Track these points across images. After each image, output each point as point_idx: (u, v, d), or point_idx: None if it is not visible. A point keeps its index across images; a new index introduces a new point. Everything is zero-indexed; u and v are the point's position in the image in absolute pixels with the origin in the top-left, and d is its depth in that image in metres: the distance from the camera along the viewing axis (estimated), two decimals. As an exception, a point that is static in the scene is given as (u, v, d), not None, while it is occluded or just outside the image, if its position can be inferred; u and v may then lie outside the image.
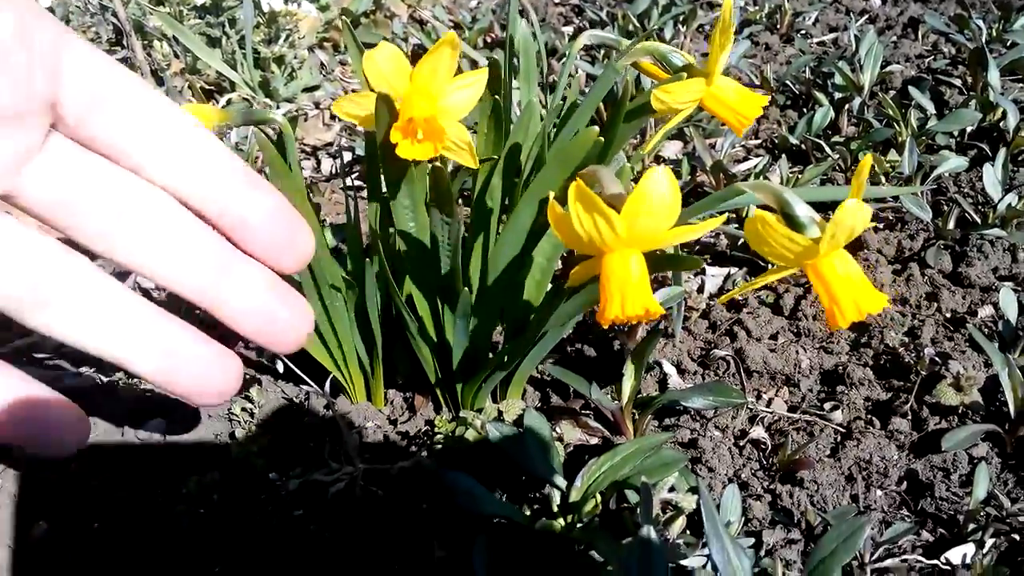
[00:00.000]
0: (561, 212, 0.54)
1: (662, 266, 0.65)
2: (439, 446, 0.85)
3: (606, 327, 0.59)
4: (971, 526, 0.73)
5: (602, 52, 1.65)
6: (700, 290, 1.07)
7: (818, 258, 0.55)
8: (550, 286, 0.83)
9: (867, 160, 0.56)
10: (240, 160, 0.50)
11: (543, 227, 0.73)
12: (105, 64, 0.45)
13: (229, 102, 1.56)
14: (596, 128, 0.67)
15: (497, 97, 0.80)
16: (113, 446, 0.86)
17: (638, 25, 1.69)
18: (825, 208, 1.19)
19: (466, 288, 0.75)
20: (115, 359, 0.47)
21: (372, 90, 0.62)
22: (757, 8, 1.88)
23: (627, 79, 0.71)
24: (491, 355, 0.84)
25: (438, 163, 0.65)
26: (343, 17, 0.76)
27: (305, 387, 0.93)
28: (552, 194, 0.56)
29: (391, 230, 0.77)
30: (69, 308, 0.45)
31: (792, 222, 0.56)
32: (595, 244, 0.54)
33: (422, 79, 0.60)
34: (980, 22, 1.60)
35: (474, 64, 1.63)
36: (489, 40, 1.85)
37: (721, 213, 0.99)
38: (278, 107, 1.58)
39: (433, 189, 0.68)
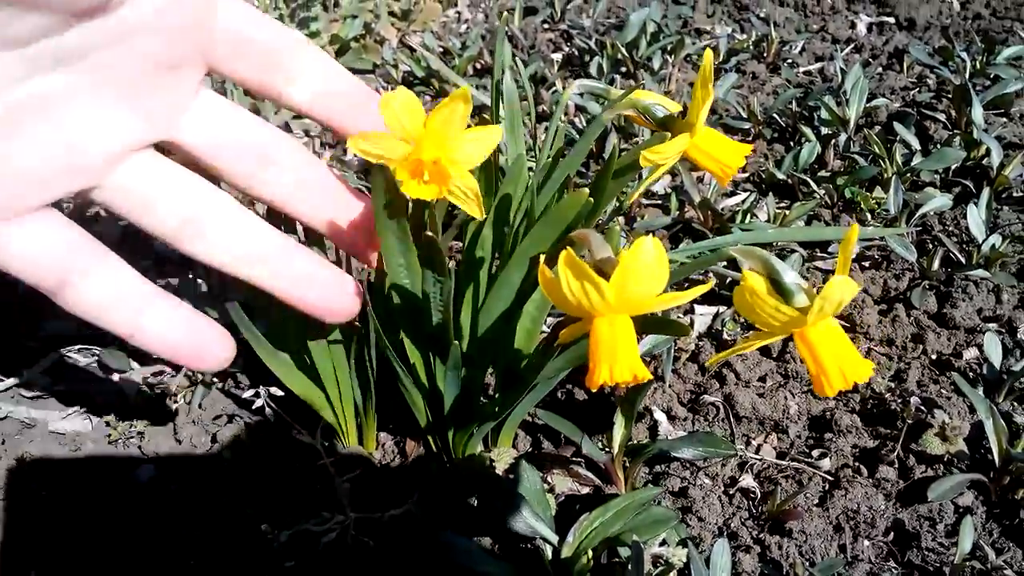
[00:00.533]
0: (550, 276, 0.55)
1: (650, 329, 0.65)
2: (430, 494, 0.85)
3: (595, 390, 0.59)
4: (957, 579, 0.73)
5: (590, 75, 1.66)
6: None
7: (805, 327, 0.56)
8: (542, 335, 0.83)
9: (853, 230, 0.57)
10: (357, 82, 0.59)
11: (533, 285, 0.74)
12: (249, 13, 0.53)
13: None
14: (585, 190, 0.68)
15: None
16: (104, 496, 0.86)
17: (626, 55, 1.70)
18: (812, 245, 1.21)
19: (456, 342, 0.75)
20: (253, 280, 0.56)
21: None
22: (745, 36, 1.90)
23: (615, 143, 0.71)
24: (483, 401, 0.84)
25: (429, 233, 0.65)
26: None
27: (296, 432, 0.93)
28: (542, 257, 0.57)
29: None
30: (218, 237, 0.54)
31: (780, 288, 0.57)
32: (584, 309, 0.54)
33: (435, 127, 0.61)
34: (964, 54, 1.62)
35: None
36: (479, 67, 1.85)
37: (705, 273, 1.00)
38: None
39: (425, 251, 0.68)
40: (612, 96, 0.84)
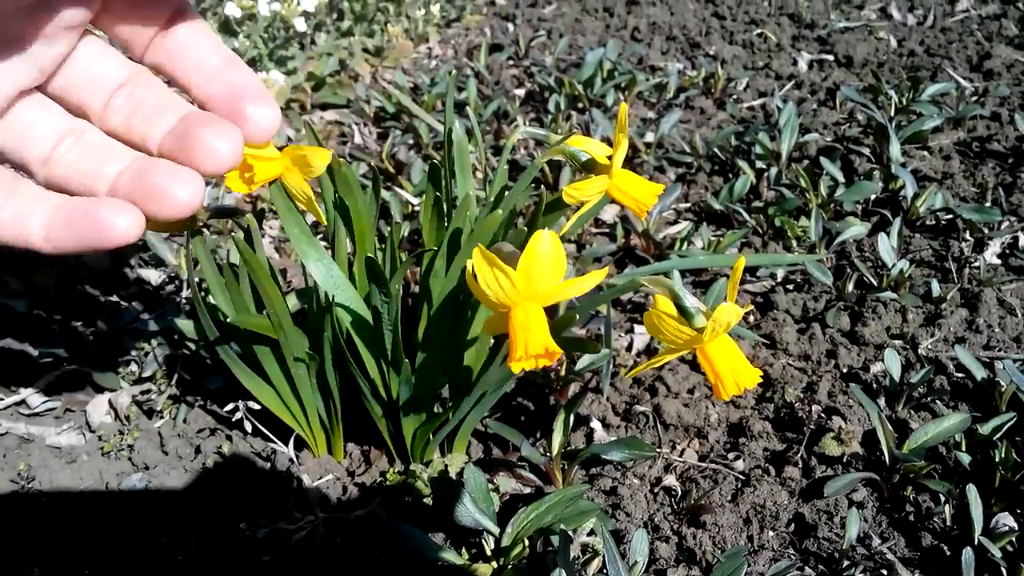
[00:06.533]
0: (472, 274, 0.64)
1: (566, 347, 0.77)
2: (391, 496, 0.96)
3: (517, 371, 0.67)
4: (845, 563, 0.85)
5: (548, 111, 1.79)
6: (629, 348, 1.19)
7: (703, 344, 0.67)
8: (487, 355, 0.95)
9: (740, 262, 0.68)
10: (230, 58, 0.53)
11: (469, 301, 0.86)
12: None
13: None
14: (521, 218, 0.80)
15: (438, 194, 0.92)
16: (98, 500, 0.96)
17: (582, 92, 1.83)
18: (746, 269, 1.33)
19: (407, 361, 0.86)
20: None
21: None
22: (695, 73, 2.04)
23: (542, 192, 0.83)
24: (436, 411, 0.95)
25: (370, 255, 0.76)
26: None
27: (271, 443, 1.04)
28: (470, 264, 0.66)
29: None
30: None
31: (682, 311, 0.68)
32: (500, 298, 0.63)
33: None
34: (892, 92, 1.76)
35: (430, 128, 1.76)
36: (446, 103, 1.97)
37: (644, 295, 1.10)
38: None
39: (369, 273, 0.79)
40: (552, 141, 0.96)
